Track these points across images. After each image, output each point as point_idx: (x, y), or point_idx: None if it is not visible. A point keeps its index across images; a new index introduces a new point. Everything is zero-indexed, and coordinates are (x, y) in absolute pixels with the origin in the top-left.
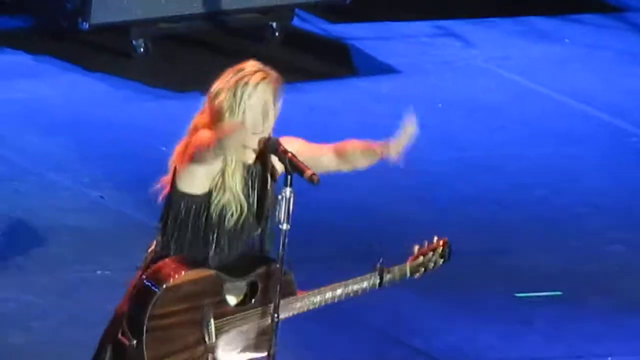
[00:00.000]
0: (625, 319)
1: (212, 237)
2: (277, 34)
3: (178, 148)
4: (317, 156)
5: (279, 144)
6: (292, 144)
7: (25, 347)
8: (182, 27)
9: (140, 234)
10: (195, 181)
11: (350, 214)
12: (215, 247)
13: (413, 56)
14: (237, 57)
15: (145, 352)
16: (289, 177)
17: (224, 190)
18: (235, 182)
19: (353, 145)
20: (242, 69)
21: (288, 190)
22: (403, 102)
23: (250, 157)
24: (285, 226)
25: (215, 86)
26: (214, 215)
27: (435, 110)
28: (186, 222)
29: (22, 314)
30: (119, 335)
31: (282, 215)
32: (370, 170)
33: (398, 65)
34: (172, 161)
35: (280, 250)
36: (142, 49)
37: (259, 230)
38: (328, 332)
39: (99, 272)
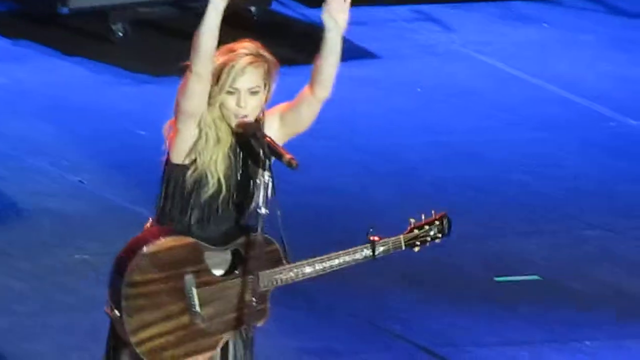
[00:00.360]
0: (603, 303)
1: (188, 208)
2: (255, 18)
3: (170, 122)
4: (298, 106)
5: (257, 128)
6: (276, 110)
7: (8, 330)
8: (161, 11)
9: (119, 218)
10: (180, 150)
11: (329, 198)
12: (191, 218)
13: (392, 41)
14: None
15: (126, 322)
16: (267, 161)
17: (200, 163)
18: (215, 159)
19: (314, 67)
20: (232, 50)
21: (266, 174)
22: (382, 87)
23: (230, 139)
24: (263, 210)
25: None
26: (188, 185)
27: (415, 95)
28: (172, 193)
29: (3, 297)
30: (105, 308)
31: (261, 199)
32: (349, 156)
33: (377, 50)
34: (166, 135)
35: (259, 233)
36: (121, 33)
37: (245, 212)
38: (309, 319)
39: (77, 256)
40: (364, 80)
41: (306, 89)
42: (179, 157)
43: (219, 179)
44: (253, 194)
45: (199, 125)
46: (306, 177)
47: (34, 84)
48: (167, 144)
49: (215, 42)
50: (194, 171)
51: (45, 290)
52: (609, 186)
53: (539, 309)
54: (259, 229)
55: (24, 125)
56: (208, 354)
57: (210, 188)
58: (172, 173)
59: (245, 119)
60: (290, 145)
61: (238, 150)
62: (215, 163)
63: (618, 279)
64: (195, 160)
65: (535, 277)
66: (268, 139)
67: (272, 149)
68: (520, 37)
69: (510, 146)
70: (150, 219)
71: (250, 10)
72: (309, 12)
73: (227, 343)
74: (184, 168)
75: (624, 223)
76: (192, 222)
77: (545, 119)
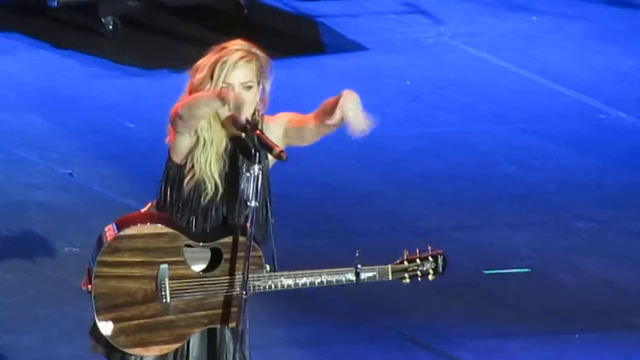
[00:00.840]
0: (592, 295)
1: (187, 211)
2: (245, 10)
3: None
4: (304, 129)
5: (246, 120)
6: (281, 119)
7: None
8: (151, 4)
9: (109, 210)
10: (178, 152)
11: (320, 190)
12: (189, 220)
13: (381, 33)
14: (206, 34)
15: (94, 298)
16: (257, 154)
17: (197, 169)
18: (210, 160)
19: (325, 107)
20: (224, 47)
21: (256, 167)
22: (372, 79)
23: (224, 136)
24: (253, 203)
25: (198, 63)
26: (186, 190)
27: (404, 87)
28: (171, 188)
29: None
30: (82, 282)
31: (251, 192)
32: (339, 147)
33: (366, 43)
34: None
35: (249, 226)
36: (111, 27)
37: (240, 211)
38: (299, 309)
39: (66, 249)
40: (353, 72)
41: (313, 120)
42: (177, 157)
43: (215, 182)
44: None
45: (197, 131)
46: (295, 169)
47: (23, 76)
48: (168, 141)
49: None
50: (191, 178)
51: (33, 282)
52: (598, 178)
53: (528, 301)
54: (249, 222)
55: (14, 117)
56: (168, 347)
57: (210, 192)
58: (172, 169)
59: (236, 114)
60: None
61: (231, 151)
62: (210, 165)
63: (607, 270)
64: (192, 166)
65: (524, 269)
66: (258, 132)
67: (262, 142)
68: (509, 29)
69: (499, 138)
70: (150, 203)
71: (240, 3)
72: (299, 5)
73: (215, 336)
74: (182, 168)
75: (613, 215)
76: (188, 221)
77: (534, 110)
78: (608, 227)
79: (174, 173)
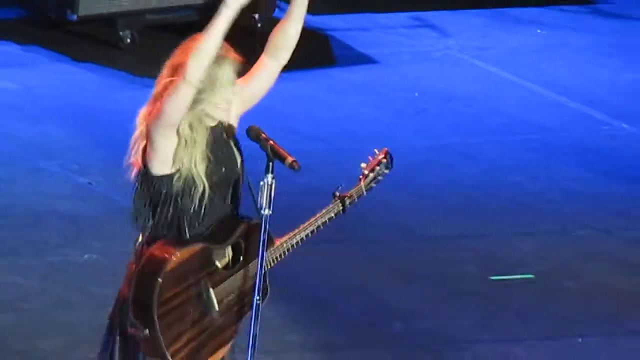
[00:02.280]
0: (594, 301)
1: (179, 213)
2: (259, 24)
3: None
4: (255, 79)
5: (260, 131)
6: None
7: (16, 327)
8: (167, 18)
9: (126, 218)
10: (166, 159)
11: (326, 199)
12: (184, 222)
13: (391, 47)
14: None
15: (161, 338)
16: (270, 164)
17: (183, 169)
18: (195, 160)
19: (278, 33)
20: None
21: (270, 176)
22: (381, 91)
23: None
24: (267, 211)
25: (179, 59)
26: (175, 192)
27: (413, 99)
28: (163, 203)
29: (12, 295)
30: (129, 328)
31: (264, 201)
32: (349, 158)
33: (376, 56)
34: (137, 143)
35: (262, 234)
36: (129, 40)
37: (229, 204)
38: (310, 316)
39: (86, 256)
40: (363, 85)
41: (263, 57)
42: (162, 167)
43: (202, 179)
44: (237, 188)
45: (177, 132)
46: (306, 178)
47: (44, 88)
48: (141, 159)
49: (217, 51)
50: (178, 178)
51: (53, 288)
52: (602, 188)
53: (533, 306)
54: (263, 230)
55: (35, 129)
56: (229, 345)
57: (198, 189)
58: (157, 184)
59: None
60: (291, 146)
61: (212, 145)
62: (195, 164)
63: (610, 277)
64: (179, 168)
65: (529, 275)
66: (271, 142)
67: (275, 152)
68: (515, 42)
69: (506, 148)
70: (141, 236)
71: (254, 18)
72: (311, 19)
73: None
74: (170, 177)
75: (617, 223)
76: (186, 225)
77: (540, 122)
78: (611, 235)
79: (162, 185)
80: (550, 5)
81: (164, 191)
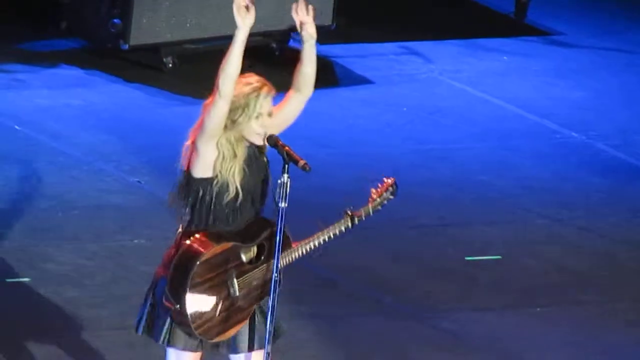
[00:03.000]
0: (550, 276)
1: (211, 213)
2: (277, 52)
3: (187, 143)
4: (285, 108)
5: (278, 139)
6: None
7: (80, 300)
8: (203, 47)
9: (168, 211)
10: (207, 165)
11: (334, 196)
12: (215, 222)
13: (384, 70)
14: (245, 70)
15: (188, 313)
16: (286, 165)
17: (221, 176)
18: (234, 171)
19: (296, 74)
20: (249, 83)
21: (285, 176)
22: (376, 106)
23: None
24: (282, 204)
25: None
26: (212, 194)
27: (401, 113)
28: (200, 202)
29: (76, 274)
30: (164, 301)
31: (281, 195)
32: (348, 161)
33: (372, 77)
34: (186, 152)
35: (279, 223)
36: (171, 65)
37: (258, 210)
38: (316, 290)
39: (136, 241)
40: (361, 101)
41: (291, 92)
42: (203, 172)
43: (236, 187)
44: (264, 195)
45: (216, 145)
46: (313, 179)
47: (101, 104)
48: (187, 162)
49: (239, 67)
50: (216, 183)
51: (109, 267)
52: (555, 185)
53: (500, 282)
54: (279, 221)
55: (94, 137)
56: (240, 325)
57: (231, 194)
58: (197, 186)
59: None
60: (303, 151)
61: (250, 160)
62: (233, 175)
63: (562, 257)
64: (217, 174)
65: (497, 257)
66: (287, 148)
67: (290, 156)
68: (484, 66)
69: (477, 153)
70: (181, 228)
71: (272, 47)
72: (319, 48)
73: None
74: (209, 180)
75: (567, 214)
76: (217, 224)
77: (505, 131)
78: (563, 223)
79: (201, 187)
80: (512, 36)
81: (201, 193)
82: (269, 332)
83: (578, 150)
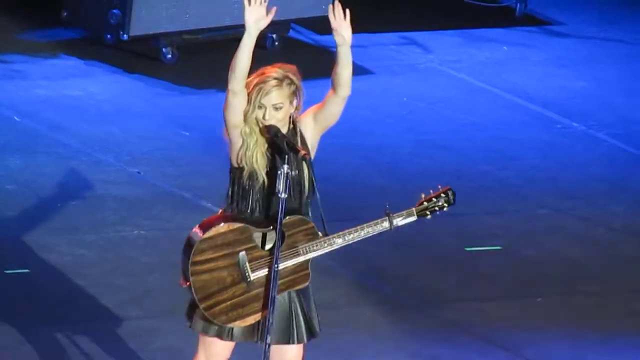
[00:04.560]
0: (551, 267)
1: (247, 200)
2: (276, 43)
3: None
4: (327, 106)
5: (278, 130)
6: (309, 112)
7: (80, 289)
8: (201, 37)
9: (169, 201)
10: (234, 154)
11: (336, 185)
12: (249, 207)
13: (384, 60)
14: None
15: (195, 292)
16: (286, 156)
17: (248, 164)
18: (256, 157)
19: (333, 75)
20: (264, 73)
21: (285, 166)
22: (377, 96)
23: (264, 141)
24: (283, 195)
25: (249, 79)
26: (244, 182)
27: (402, 103)
28: (236, 190)
29: (77, 264)
30: (180, 281)
31: (282, 186)
32: (352, 151)
33: (373, 68)
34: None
35: (280, 214)
36: (170, 55)
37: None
38: (318, 279)
39: (135, 231)
40: (363, 91)
41: (330, 91)
42: (235, 161)
43: (261, 174)
44: (301, 191)
45: (241, 134)
46: (316, 168)
47: (101, 95)
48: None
49: (249, 63)
50: (246, 172)
51: (109, 258)
52: (556, 175)
53: (500, 271)
54: (280, 211)
55: (94, 127)
56: (260, 314)
57: (259, 181)
58: (233, 174)
59: (268, 123)
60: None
61: (271, 150)
62: (256, 161)
63: (562, 247)
64: (245, 163)
65: (497, 247)
66: (286, 138)
67: (290, 146)
68: (484, 56)
69: (478, 143)
70: (221, 209)
71: (272, 37)
72: (319, 38)
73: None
74: (240, 170)
75: (567, 204)
76: (249, 210)
77: (505, 121)
78: (563, 213)
79: (235, 175)
80: (511, 26)
81: (235, 179)
82: (270, 322)
83: (578, 140)
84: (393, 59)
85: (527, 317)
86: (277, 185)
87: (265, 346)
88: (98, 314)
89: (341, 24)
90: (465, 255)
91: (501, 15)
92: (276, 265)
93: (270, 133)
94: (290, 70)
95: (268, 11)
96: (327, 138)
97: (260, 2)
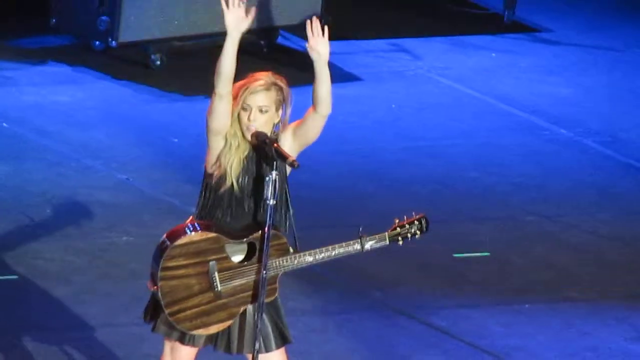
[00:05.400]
0: (538, 274)
1: (215, 206)
2: (265, 49)
3: None
4: (305, 123)
5: (266, 136)
6: (289, 127)
7: (68, 297)
8: (190, 44)
9: (157, 207)
10: (211, 159)
11: (324, 191)
12: (218, 214)
13: (373, 67)
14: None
15: (162, 296)
16: (274, 163)
17: (222, 165)
18: (232, 162)
19: (313, 91)
20: (252, 76)
21: (274, 173)
22: (365, 103)
23: (247, 147)
24: (272, 202)
25: (237, 83)
26: (215, 186)
27: (390, 110)
28: (207, 196)
29: (64, 270)
30: (148, 282)
31: (270, 193)
32: (339, 158)
33: (361, 74)
34: None
35: (267, 220)
36: (158, 62)
37: (258, 209)
38: (307, 286)
39: (124, 238)
40: (350, 98)
41: (310, 109)
42: (209, 167)
43: (232, 180)
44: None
45: (225, 137)
46: (304, 175)
47: (89, 101)
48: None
49: (233, 66)
50: (218, 175)
51: (97, 265)
52: (544, 182)
53: (488, 278)
54: (268, 218)
55: (82, 133)
56: (224, 324)
57: (227, 185)
58: (206, 180)
59: (255, 129)
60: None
61: (252, 157)
62: (231, 165)
63: (550, 253)
64: (219, 166)
65: (485, 253)
66: (276, 144)
67: (279, 153)
68: (472, 63)
69: (466, 150)
70: (192, 216)
71: (260, 43)
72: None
73: (244, 312)
74: (213, 176)
75: (555, 211)
76: (220, 217)
77: (493, 128)
78: (550, 220)
79: (208, 181)
80: (499, 33)
81: (207, 186)
82: (259, 328)
83: (566, 147)
84: (381, 65)
85: (516, 324)
86: (265, 192)
87: (254, 352)
88: (86, 320)
89: (318, 41)
90: (453, 262)
91: (489, 22)
92: (264, 272)
93: (259, 139)
94: (280, 79)
95: (247, 12)
96: (314, 144)
97: (238, 4)
